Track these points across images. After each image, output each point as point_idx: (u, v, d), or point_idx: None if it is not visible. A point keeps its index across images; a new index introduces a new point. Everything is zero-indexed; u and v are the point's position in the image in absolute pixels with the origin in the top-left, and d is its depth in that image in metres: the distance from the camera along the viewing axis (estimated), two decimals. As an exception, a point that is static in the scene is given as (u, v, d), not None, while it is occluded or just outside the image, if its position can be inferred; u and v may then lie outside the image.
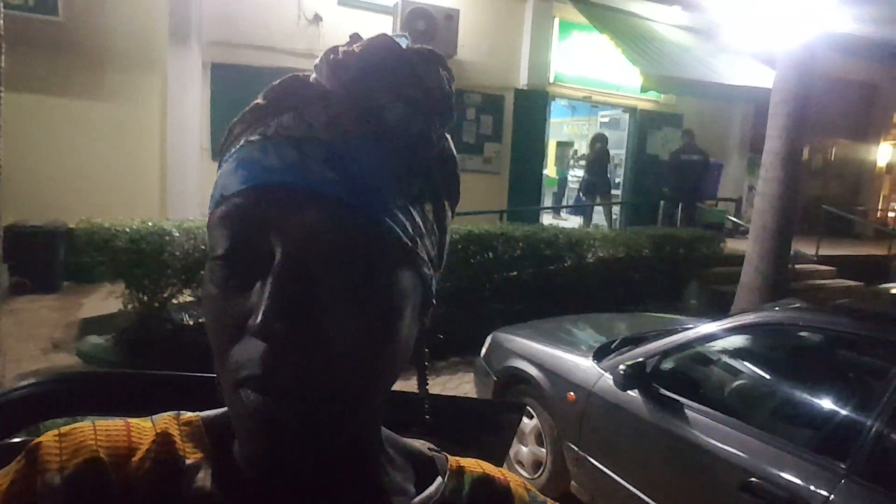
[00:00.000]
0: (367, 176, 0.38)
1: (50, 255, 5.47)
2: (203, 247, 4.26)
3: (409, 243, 0.40)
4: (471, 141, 8.40)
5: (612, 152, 10.70)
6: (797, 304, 2.41)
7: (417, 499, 0.46)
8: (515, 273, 5.66)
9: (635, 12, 9.11)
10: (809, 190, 11.46)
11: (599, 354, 2.94)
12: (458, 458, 0.52)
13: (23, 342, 4.43)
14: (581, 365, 2.93)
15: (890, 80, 12.53)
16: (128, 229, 4.15)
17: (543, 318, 4.00)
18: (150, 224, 4.28)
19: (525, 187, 8.80)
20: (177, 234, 4.22)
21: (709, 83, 8.31)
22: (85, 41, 5.94)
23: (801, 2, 5.35)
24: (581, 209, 9.93)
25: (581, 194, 9.56)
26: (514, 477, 0.53)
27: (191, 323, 4.46)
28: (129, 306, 4.30)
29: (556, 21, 8.79)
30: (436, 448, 0.53)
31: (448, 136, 0.46)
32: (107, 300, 4.48)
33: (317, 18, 7.13)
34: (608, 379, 2.68)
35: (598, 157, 9.05)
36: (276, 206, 0.37)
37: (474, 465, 0.52)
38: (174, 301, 4.43)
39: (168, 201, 6.31)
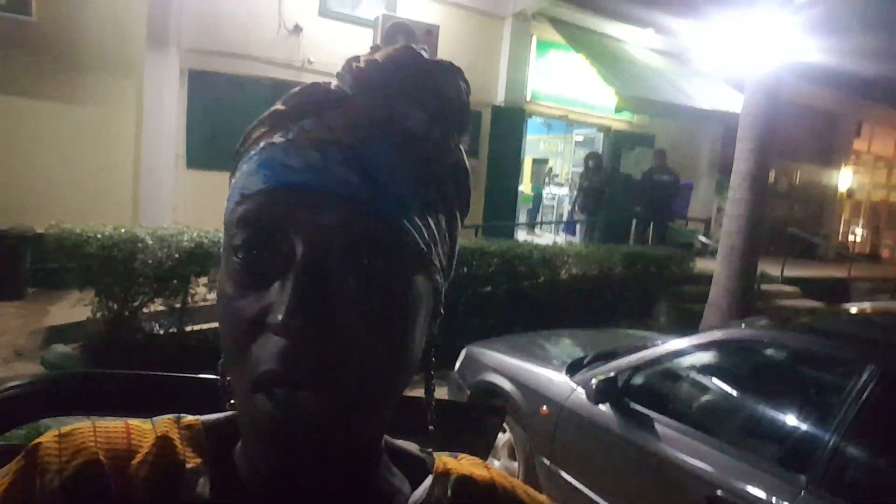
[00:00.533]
0: (386, 180, 0.39)
1: (15, 260, 5.32)
2: (177, 255, 4.21)
3: (425, 248, 0.41)
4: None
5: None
6: (763, 322, 2.49)
7: (409, 502, 0.46)
8: (490, 288, 5.70)
9: (610, 34, 9.34)
10: (775, 212, 11.81)
11: (572, 369, 2.98)
12: (445, 458, 0.53)
13: (-16, 349, 4.30)
14: (554, 379, 2.97)
15: (850, 109, 13.05)
16: (99, 235, 4.08)
17: (517, 333, 4.04)
18: (122, 231, 4.21)
19: (500, 203, 8.89)
20: (150, 242, 4.16)
21: (680, 106, 8.55)
22: (59, 42, 5.84)
23: (768, 31, 5.56)
24: (571, 226, 9.84)
25: (576, 212, 9.28)
26: (499, 472, 0.53)
27: (161, 333, 4.39)
28: (98, 314, 4.21)
29: (534, 40, 8.96)
30: (425, 449, 0.53)
31: (462, 149, 0.47)
32: (74, 308, 4.37)
33: (297, 29, 7.15)
34: (580, 393, 2.73)
35: (597, 175, 8.93)
36: (298, 205, 0.38)
37: (459, 464, 0.52)
38: (145, 310, 4.36)
39: (141, 208, 6.22)
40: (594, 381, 2.56)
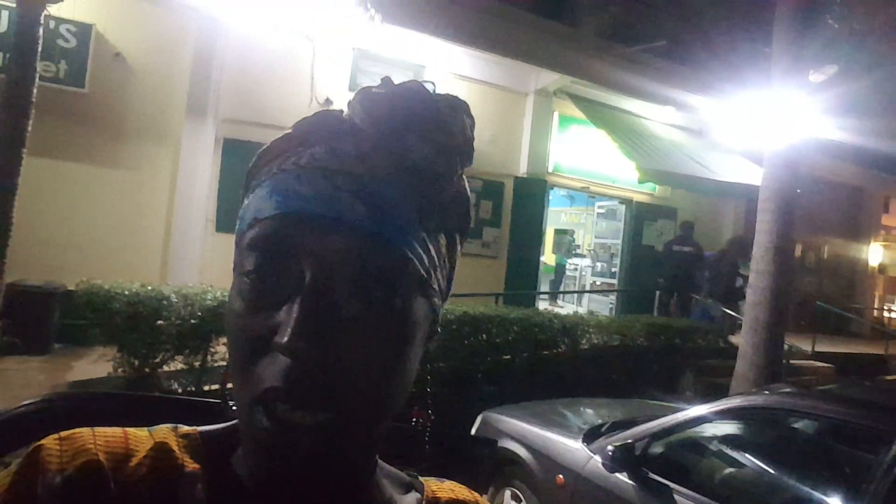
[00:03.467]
0: (391, 210, 0.41)
1: (45, 315, 5.46)
2: (199, 313, 4.28)
3: (425, 275, 0.43)
4: (470, 225, 8.55)
5: (608, 242, 10.94)
6: (786, 389, 2.42)
7: None
8: (509, 356, 5.64)
9: (630, 110, 9.59)
10: (803, 287, 11.57)
11: (589, 437, 2.90)
12: (433, 484, 0.55)
13: (5, 403, 4.32)
14: (571, 447, 2.88)
15: (876, 184, 12.99)
16: (126, 292, 4.18)
17: (535, 400, 3.96)
18: (148, 288, 4.32)
19: (522, 272, 8.90)
20: (175, 300, 4.25)
21: (701, 178, 8.61)
22: (107, 112, 6.24)
23: (785, 109, 5.67)
24: (707, 314, 8.65)
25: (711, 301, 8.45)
26: (484, 499, 0.56)
27: (179, 391, 4.40)
28: (120, 370, 4.26)
29: (556, 115, 9.23)
30: (411, 473, 0.55)
31: (464, 177, 0.50)
32: (97, 363, 4.44)
33: (328, 102, 7.51)
34: (597, 461, 2.64)
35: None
36: (307, 232, 0.40)
37: (447, 491, 0.55)
38: (165, 368, 4.40)
39: (169, 269, 6.39)
40: (610, 447, 2.48)
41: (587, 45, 8.26)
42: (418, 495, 0.52)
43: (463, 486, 0.56)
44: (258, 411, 0.39)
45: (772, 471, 2.36)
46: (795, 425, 2.41)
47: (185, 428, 0.48)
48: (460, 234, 0.50)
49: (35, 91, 3.66)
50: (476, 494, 0.56)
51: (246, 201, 0.46)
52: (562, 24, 8.22)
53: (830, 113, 7.08)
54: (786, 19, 5.64)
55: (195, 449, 0.45)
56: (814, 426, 2.31)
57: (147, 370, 4.29)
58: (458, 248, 0.51)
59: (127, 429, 0.45)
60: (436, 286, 0.46)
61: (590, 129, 9.05)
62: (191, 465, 0.44)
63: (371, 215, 0.40)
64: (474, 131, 0.47)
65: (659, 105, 9.21)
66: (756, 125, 6.71)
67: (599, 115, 9.04)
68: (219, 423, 0.50)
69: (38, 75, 3.70)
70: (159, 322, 4.19)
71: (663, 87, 8.53)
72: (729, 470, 2.41)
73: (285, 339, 0.37)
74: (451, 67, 8.03)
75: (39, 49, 3.69)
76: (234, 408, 0.43)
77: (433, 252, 0.45)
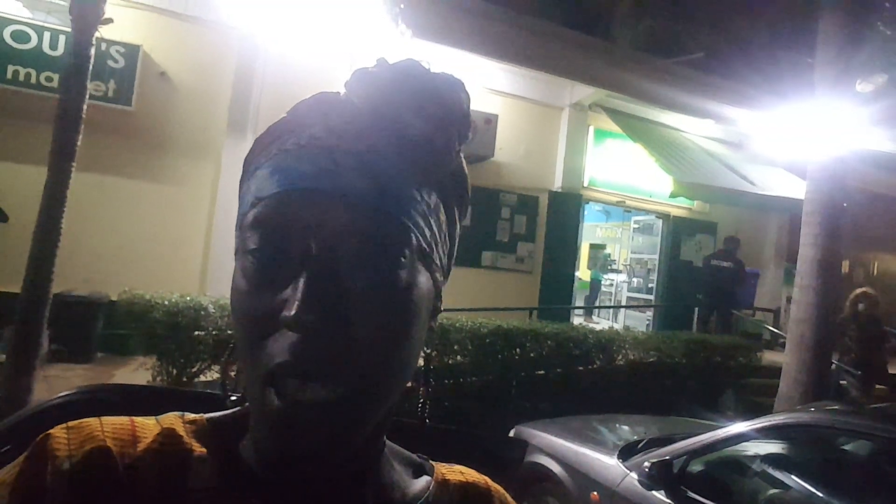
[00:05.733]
0: (393, 184, 0.42)
1: (89, 325, 5.63)
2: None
3: (427, 248, 0.44)
4: (504, 239, 8.53)
5: (644, 257, 10.73)
6: (833, 406, 2.31)
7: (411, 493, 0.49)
8: (543, 371, 5.56)
9: (667, 123, 9.43)
10: (852, 304, 11.07)
11: (625, 453, 2.83)
12: (443, 468, 0.55)
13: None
14: (606, 463, 2.81)
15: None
16: (166, 302, 4.29)
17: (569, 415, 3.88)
18: (188, 298, 4.42)
19: (557, 287, 8.79)
20: (212, 310, 4.34)
21: (741, 192, 8.39)
22: (152, 129, 6.46)
23: (830, 120, 5.50)
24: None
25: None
26: (495, 485, 0.55)
27: (215, 401, 4.46)
28: (158, 379, 4.36)
29: (591, 129, 9.15)
30: (422, 456, 0.55)
31: (462, 156, 0.50)
32: (137, 372, 4.55)
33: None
34: (633, 478, 2.56)
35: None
36: (311, 207, 0.40)
37: (457, 474, 0.54)
38: (202, 377, 4.48)
39: (208, 280, 6.53)
40: (647, 464, 2.41)
41: (623, 59, 8.20)
42: (428, 477, 0.52)
43: (473, 471, 0.56)
44: (269, 390, 0.39)
45: (818, 493, 2.25)
46: (844, 445, 2.29)
47: (191, 415, 0.48)
48: (459, 209, 0.50)
49: (85, 109, 3.81)
50: (486, 478, 0.55)
51: (245, 185, 0.46)
52: (597, 37, 8.18)
53: (881, 123, 6.84)
54: (831, 29, 5.49)
55: (202, 434, 0.46)
56: (864, 446, 2.20)
57: (185, 379, 4.38)
58: (458, 224, 0.51)
59: (133, 417, 0.46)
60: (438, 261, 0.46)
61: (626, 142, 8.94)
62: (198, 450, 0.44)
63: (373, 189, 0.41)
64: (469, 107, 0.47)
65: (697, 118, 9.04)
66: (799, 137, 6.53)
67: (636, 128, 8.93)
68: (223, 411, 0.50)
69: (88, 94, 3.84)
70: (197, 332, 4.28)
71: (701, 99, 8.38)
72: (772, 491, 2.31)
73: (292, 312, 0.37)
74: (485, 82, 8.06)
75: (90, 69, 3.84)
76: (244, 389, 0.43)
77: (434, 227, 0.45)
